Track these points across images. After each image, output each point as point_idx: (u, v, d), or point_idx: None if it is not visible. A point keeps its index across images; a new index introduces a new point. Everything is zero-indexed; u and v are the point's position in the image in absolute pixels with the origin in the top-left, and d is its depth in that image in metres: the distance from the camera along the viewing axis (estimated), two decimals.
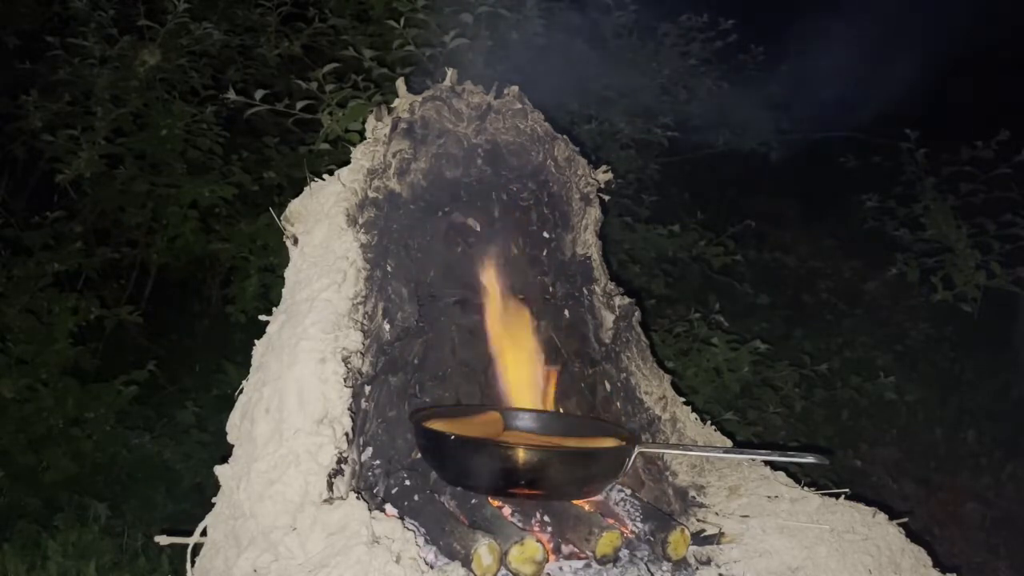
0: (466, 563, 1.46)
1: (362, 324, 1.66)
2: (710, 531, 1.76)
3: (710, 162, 5.99)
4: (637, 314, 2.12)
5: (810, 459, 1.67)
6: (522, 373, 2.01)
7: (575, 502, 1.74)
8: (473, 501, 1.68)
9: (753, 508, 1.82)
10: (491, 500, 1.70)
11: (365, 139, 1.91)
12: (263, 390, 1.57)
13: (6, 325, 3.77)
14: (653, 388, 2.07)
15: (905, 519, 1.84)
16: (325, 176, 1.84)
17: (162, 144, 4.08)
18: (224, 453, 1.59)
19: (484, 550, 1.47)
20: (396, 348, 1.81)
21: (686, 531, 1.66)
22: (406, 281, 1.84)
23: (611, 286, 2.13)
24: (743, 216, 4.98)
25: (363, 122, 1.98)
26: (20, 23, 4.49)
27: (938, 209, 5.10)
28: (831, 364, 4.58)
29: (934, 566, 1.77)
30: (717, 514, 1.83)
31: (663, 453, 1.98)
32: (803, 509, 1.78)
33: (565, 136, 2.11)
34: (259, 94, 3.51)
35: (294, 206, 1.84)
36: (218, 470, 1.56)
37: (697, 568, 1.63)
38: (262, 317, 1.74)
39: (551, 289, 2.09)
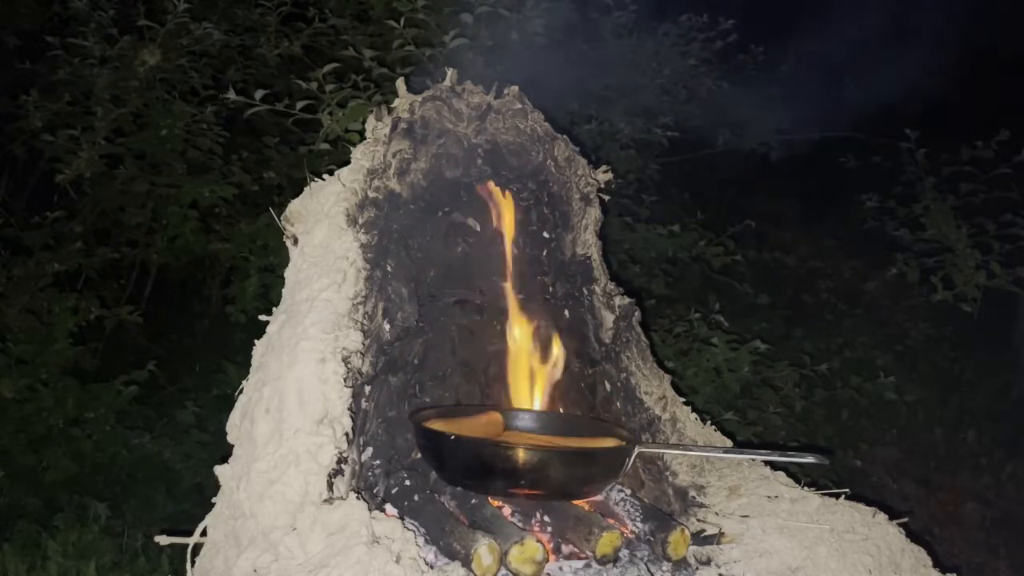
0: (466, 563, 1.46)
1: (362, 324, 1.66)
2: (710, 531, 1.76)
3: (710, 162, 5.99)
4: (637, 314, 2.12)
5: (810, 459, 1.67)
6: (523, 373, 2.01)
7: (575, 502, 1.74)
8: (473, 501, 1.68)
9: (753, 508, 1.82)
10: (491, 500, 1.70)
11: (365, 139, 1.91)
12: (263, 390, 1.57)
13: (6, 325, 3.77)
14: (653, 388, 2.07)
15: (905, 519, 1.84)
16: (325, 176, 1.84)
17: (162, 144, 4.08)
18: (224, 453, 1.59)
19: (484, 550, 1.47)
20: (396, 348, 1.81)
21: (686, 531, 1.66)
22: (406, 281, 1.84)
23: (611, 286, 2.13)
24: (743, 216, 4.98)
25: (363, 122, 1.98)
26: (20, 23, 4.49)
27: (938, 209, 5.09)
28: (831, 364, 4.58)
29: (934, 566, 1.77)
30: (717, 514, 1.83)
31: (663, 453, 1.98)
32: (803, 509, 1.78)
33: (565, 136, 2.11)
34: (259, 94, 3.50)
35: (294, 206, 1.84)
36: (218, 470, 1.56)
37: (697, 568, 1.63)
38: (262, 317, 1.75)
39: (551, 289, 2.09)
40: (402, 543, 1.38)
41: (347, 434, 1.53)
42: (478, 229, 2.01)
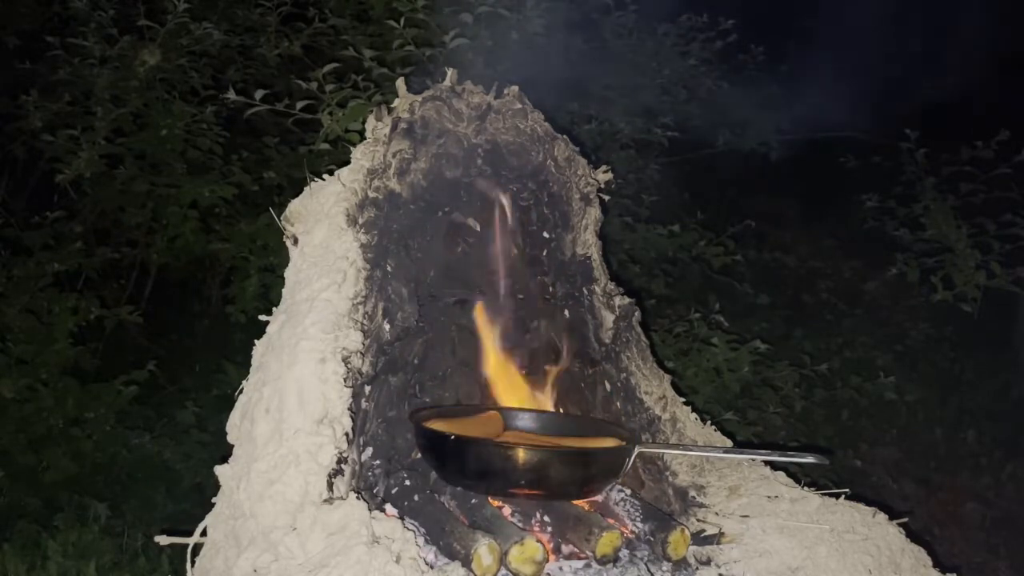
0: (466, 563, 1.46)
1: (362, 324, 1.66)
2: (710, 531, 1.76)
3: (710, 162, 5.98)
4: (637, 314, 2.12)
5: (810, 459, 1.67)
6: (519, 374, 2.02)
7: (575, 502, 1.74)
8: (473, 501, 1.68)
9: (753, 508, 1.82)
10: (491, 500, 1.70)
11: (365, 139, 1.91)
12: (263, 390, 1.57)
13: (6, 325, 3.77)
14: (653, 388, 2.07)
15: (905, 519, 1.84)
16: (325, 176, 1.84)
17: (162, 144, 4.08)
18: (224, 453, 1.59)
19: (484, 550, 1.47)
20: (396, 348, 1.81)
21: (686, 531, 1.66)
22: (406, 281, 1.84)
23: (611, 286, 2.13)
24: (743, 216, 4.98)
25: (363, 122, 1.98)
26: (20, 23, 4.49)
27: (938, 209, 5.10)
28: (831, 364, 4.58)
29: (934, 566, 1.77)
30: (717, 514, 1.83)
31: (663, 453, 1.98)
32: (803, 509, 1.78)
33: (565, 136, 2.11)
34: (259, 94, 3.51)
35: (294, 206, 1.84)
36: (218, 470, 1.56)
37: (697, 568, 1.63)
38: (262, 317, 1.74)
39: (551, 289, 2.09)
40: (402, 543, 1.38)
41: (347, 434, 1.53)
42: (478, 229, 2.01)
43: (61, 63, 4.01)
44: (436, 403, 1.92)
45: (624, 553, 1.65)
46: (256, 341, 1.70)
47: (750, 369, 3.99)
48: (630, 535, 1.71)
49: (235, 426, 1.61)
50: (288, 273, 1.77)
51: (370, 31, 4.03)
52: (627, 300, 2.11)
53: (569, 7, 4.20)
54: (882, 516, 1.80)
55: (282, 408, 1.52)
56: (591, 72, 4.44)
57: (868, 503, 1.84)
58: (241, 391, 1.65)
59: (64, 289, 4.04)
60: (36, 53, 4.22)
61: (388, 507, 1.70)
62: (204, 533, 1.55)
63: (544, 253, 2.09)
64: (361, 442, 1.66)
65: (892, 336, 5.52)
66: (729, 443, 2.09)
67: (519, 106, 2.05)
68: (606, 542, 1.59)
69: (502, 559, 1.49)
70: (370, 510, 1.42)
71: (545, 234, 2.09)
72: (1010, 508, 4.31)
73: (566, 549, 1.67)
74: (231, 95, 3.58)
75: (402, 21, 3.51)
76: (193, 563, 1.54)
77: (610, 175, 2.20)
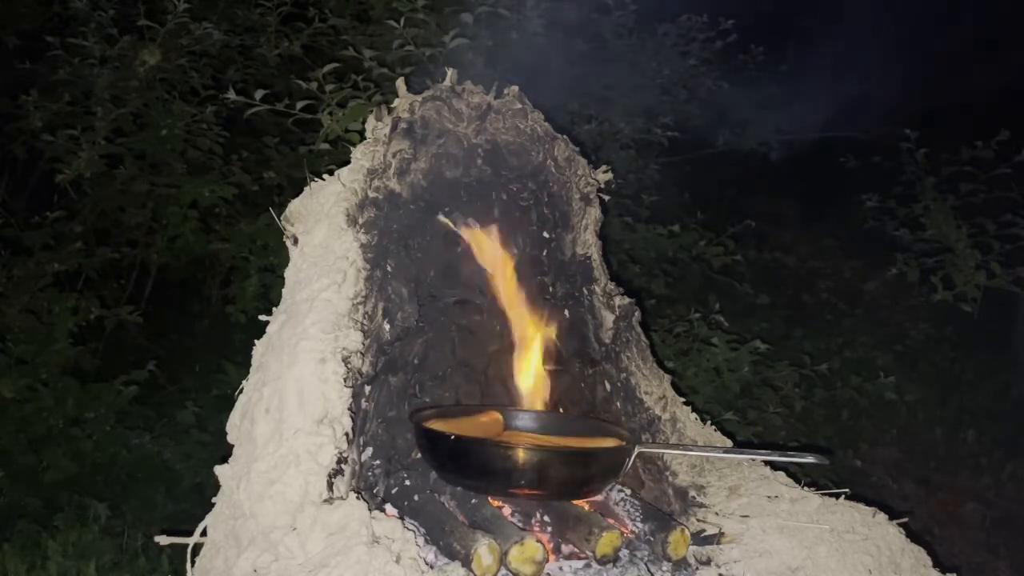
0: (466, 563, 1.46)
1: (362, 324, 1.66)
2: (710, 531, 1.76)
3: (710, 162, 5.98)
4: (637, 314, 2.12)
5: (810, 459, 1.67)
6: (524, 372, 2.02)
7: (575, 502, 1.74)
8: (473, 501, 1.68)
9: (753, 508, 1.82)
10: (491, 500, 1.70)
11: (365, 139, 1.91)
12: (263, 390, 1.57)
13: (6, 325, 3.77)
14: (653, 388, 2.06)
15: (905, 519, 1.84)
16: (325, 176, 1.84)
17: (162, 144, 4.08)
18: (224, 453, 1.59)
19: (484, 550, 1.47)
20: (396, 348, 1.81)
21: (686, 531, 1.66)
22: (406, 281, 1.84)
23: (611, 286, 2.13)
24: (743, 216, 4.98)
25: (363, 122, 1.98)
26: (20, 23, 4.49)
27: (938, 209, 5.10)
28: (831, 364, 4.58)
29: (934, 566, 1.77)
30: (717, 514, 1.83)
31: (663, 453, 1.98)
32: (803, 509, 1.78)
33: (565, 136, 2.11)
34: (259, 94, 3.50)
35: (294, 206, 1.84)
36: (218, 470, 1.56)
37: (697, 568, 1.63)
38: (262, 317, 1.74)
39: (551, 289, 2.09)
40: (402, 543, 1.38)
41: (347, 434, 1.53)
42: (478, 229, 2.01)
43: (61, 63, 4.01)
44: (436, 403, 1.92)
45: (624, 553, 1.65)
46: (256, 341, 1.70)
47: (750, 369, 3.99)
48: (630, 535, 1.71)
49: (235, 426, 1.61)
50: (288, 273, 1.77)
51: (370, 31, 4.03)
52: (627, 300, 2.11)
53: (569, 7, 4.20)
54: (882, 516, 1.80)
55: (282, 408, 1.52)
56: (591, 72, 4.44)
57: (868, 503, 1.84)
58: (241, 391, 1.65)
59: (64, 289, 4.04)
60: (36, 53, 4.22)
61: (388, 507, 1.70)
62: (204, 533, 1.55)
63: (544, 253, 2.09)
64: (361, 442, 1.66)
65: (892, 336, 5.52)
66: (729, 443, 2.09)
67: (519, 106, 2.05)
68: (606, 542, 1.59)
69: (502, 559, 1.49)
70: (370, 510, 1.42)
71: (545, 234, 2.09)
72: (1010, 508, 4.31)
73: (566, 549, 1.67)
74: (231, 95, 3.58)
75: (402, 21, 3.51)
76: (193, 563, 1.54)
77: (610, 175, 2.20)
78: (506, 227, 2.04)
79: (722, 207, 5.98)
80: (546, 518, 1.73)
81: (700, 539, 1.74)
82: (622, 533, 1.67)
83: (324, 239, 1.73)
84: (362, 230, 1.76)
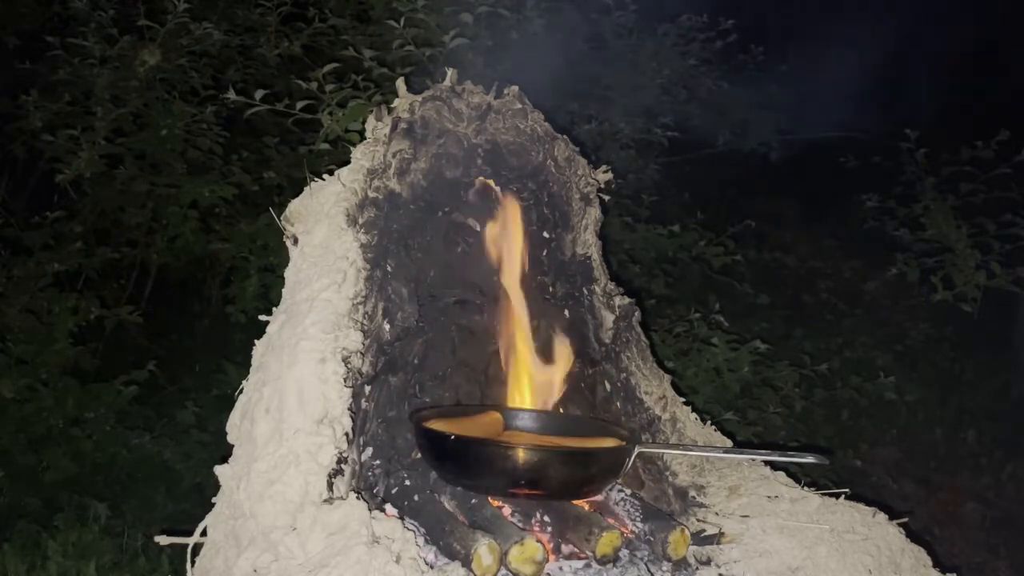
0: (466, 563, 1.46)
1: (362, 324, 1.66)
2: (710, 531, 1.76)
3: (710, 162, 5.99)
4: (637, 314, 2.12)
5: (810, 459, 1.67)
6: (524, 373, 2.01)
7: (575, 502, 1.74)
8: (473, 501, 1.68)
9: (753, 508, 1.82)
10: (491, 500, 1.70)
11: (365, 139, 1.91)
12: (263, 390, 1.57)
13: (6, 325, 3.77)
14: (653, 388, 2.06)
15: (905, 519, 1.84)
16: (325, 176, 1.84)
17: (162, 144, 4.08)
18: (224, 453, 1.59)
19: (484, 550, 1.47)
20: (396, 348, 1.81)
21: (686, 531, 1.66)
22: (406, 281, 1.84)
23: (611, 286, 2.13)
24: (743, 216, 4.98)
25: (363, 122, 1.98)
26: (20, 23, 4.49)
27: (938, 209, 5.10)
28: (831, 364, 4.58)
29: (934, 566, 1.77)
30: (717, 514, 1.83)
31: (663, 453, 1.98)
32: (803, 509, 1.78)
33: (565, 136, 2.11)
34: (259, 94, 3.50)
35: (294, 206, 1.84)
36: (218, 470, 1.55)
37: (697, 568, 1.63)
38: (262, 317, 1.74)
39: (551, 289, 2.09)
40: (402, 543, 1.38)
41: (347, 434, 1.53)
42: (478, 229, 2.01)
43: (61, 63, 4.01)
44: (436, 403, 1.92)
45: (624, 553, 1.65)
46: (256, 341, 1.70)
47: (750, 369, 3.99)
48: (630, 535, 1.71)
49: (235, 426, 1.61)
50: (288, 273, 1.77)
51: (370, 31, 4.03)
52: (627, 300, 2.11)
53: (569, 7, 4.20)
54: (882, 516, 1.80)
55: (282, 408, 1.52)
56: (591, 72, 4.44)
57: (868, 503, 1.84)
58: (241, 391, 1.65)
59: (64, 289, 4.04)
60: (36, 53, 4.21)
61: (388, 507, 1.70)
62: (204, 533, 1.55)
63: (544, 253, 2.09)
64: (361, 442, 1.66)
65: (892, 336, 5.52)
66: (729, 443, 2.09)
67: (519, 106, 2.05)
68: (606, 542, 1.59)
69: (502, 559, 1.49)
70: (370, 510, 1.42)
71: (545, 234, 2.09)
72: (1010, 508, 4.31)
73: (566, 549, 1.67)
74: (231, 95, 3.58)
75: (402, 21, 3.51)
76: (193, 563, 1.54)
77: (610, 175, 2.20)
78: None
79: (722, 207, 5.99)
80: (546, 518, 1.73)
81: (700, 539, 1.74)
82: (622, 533, 1.67)
83: (324, 239, 1.73)
84: (362, 230, 1.76)
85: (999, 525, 4.20)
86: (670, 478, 1.97)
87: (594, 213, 2.13)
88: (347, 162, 1.85)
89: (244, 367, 1.69)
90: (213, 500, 1.56)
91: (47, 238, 4.08)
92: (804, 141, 6.06)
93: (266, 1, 4.23)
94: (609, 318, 2.08)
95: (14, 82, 4.21)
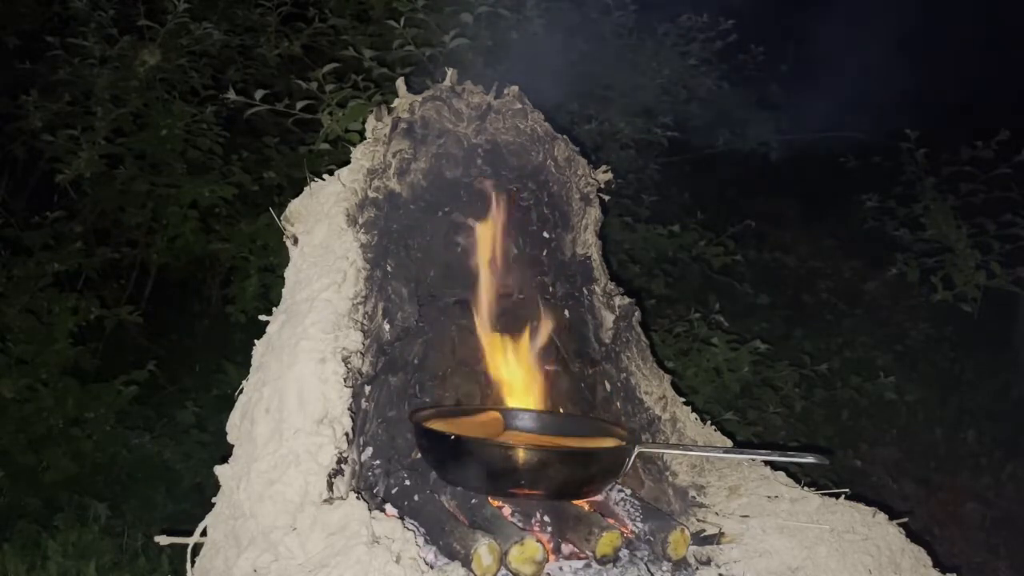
0: (466, 563, 1.46)
1: (362, 324, 1.66)
2: (710, 531, 1.76)
3: (710, 162, 5.99)
4: (637, 314, 2.12)
5: (810, 459, 1.67)
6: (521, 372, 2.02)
7: (575, 502, 1.74)
8: (473, 501, 1.68)
9: (753, 508, 1.82)
10: (491, 500, 1.70)
11: (365, 139, 1.91)
12: (263, 390, 1.57)
13: (6, 325, 3.77)
14: (653, 388, 2.06)
15: (905, 519, 1.84)
16: (325, 176, 1.84)
17: (162, 144, 4.08)
18: (224, 453, 1.59)
19: (484, 550, 1.47)
20: (396, 348, 1.81)
21: (686, 531, 1.66)
22: (406, 281, 1.84)
23: (611, 286, 2.13)
24: (743, 216, 4.98)
25: (363, 122, 1.98)
26: (20, 23, 4.49)
27: (938, 209, 5.10)
28: (831, 364, 4.58)
29: (934, 566, 1.77)
30: (717, 514, 1.83)
31: (663, 453, 1.98)
32: (803, 509, 1.78)
33: (565, 136, 2.11)
34: (259, 94, 3.50)
35: (294, 206, 1.84)
36: (218, 470, 1.56)
37: (697, 568, 1.63)
38: (262, 317, 1.75)
39: (551, 289, 2.09)
40: (402, 543, 1.38)
41: (347, 434, 1.53)
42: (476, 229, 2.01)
43: (61, 63, 4.01)
44: (436, 403, 1.92)
45: (624, 553, 1.65)
46: (256, 341, 1.70)
47: (750, 369, 3.99)
48: (630, 535, 1.71)
49: (235, 426, 1.61)
50: (288, 273, 1.77)
51: (370, 31, 4.03)
52: (627, 300, 2.11)
53: (569, 7, 4.20)
54: (882, 516, 1.80)
55: (282, 408, 1.52)
56: (591, 72, 4.44)
57: (868, 503, 1.84)
58: (241, 391, 1.65)
59: (64, 289, 4.04)
60: (36, 53, 4.21)
61: (388, 507, 1.70)
62: (204, 533, 1.55)
63: (544, 253, 2.09)
64: (361, 442, 1.66)
65: (892, 336, 5.51)
66: (729, 443, 2.09)
67: (519, 106, 2.05)
68: (606, 542, 1.59)
69: (502, 559, 1.49)
70: (370, 510, 1.42)
71: (545, 234, 2.09)
72: (1010, 508, 4.31)
73: (566, 549, 1.67)
74: (231, 95, 3.58)
75: (402, 21, 3.51)
76: (193, 563, 1.54)
77: (610, 175, 2.20)
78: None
79: (722, 207, 5.98)
80: (546, 518, 1.73)
81: (700, 539, 1.74)
82: (622, 533, 1.67)
83: (324, 239, 1.73)
84: (362, 230, 1.76)
85: (999, 525, 4.20)
86: (670, 478, 1.97)
87: (594, 213, 2.13)
88: (347, 162, 1.85)
89: (244, 367, 1.69)
90: (213, 500, 1.56)
91: (47, 238, 4.08)
92: (804, 141, 6.06)
93: (266, 1, 4.23)
94: (609, 318, 2.08)
95: (14, 82, 4.21)
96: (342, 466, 1.51)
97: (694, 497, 1.92)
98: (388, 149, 1.86)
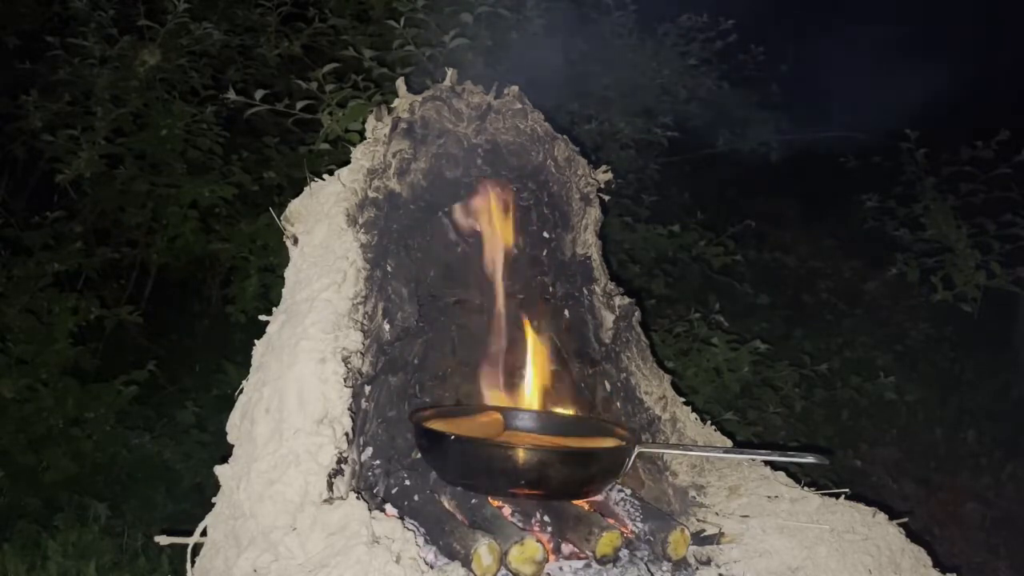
0: (466, 563, 1.46)
1: (362, 324, 1.66)
2: (710, 531, 1.76)
3: (710, 162, 5.99)
4: (637, 314, 2.12)
5: (810, 459, 1.67)
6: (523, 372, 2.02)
7: (575, 502, 1.74)
8: (473, 501, 1.68)
9: (753, 508, 1.82)
10: (491, 500, 1.70)
11: (365, 139, 1.91)
12: (263, 390, 1.57)
13: (6, 325, 3.77)
14: (653, 388, 2.06)
15: (905, 519, 1.84)
16: (325, 176, 1.84)
17: (162, 144, 4.08)
18: (224, 453, 1.59)
19: (484, 550, 1.47)
20: (396, 348, 1.81)
21: (686, 531, 1.66)
22: (406, 281, 1.84)
23: (611, 286, 2.13)
24: (743, 216, 4.98)
25: (363, 122, 1.98)
26: (20, 23, 4.49)
27: (938, 209, 5.10)
28: (831, 364, 4.57)
29: (934, 566, 1.77)
30: (717, 514, 1.83)
31: (663, 453, 1.98)
32: (803, 509, 1.78)
33: (565, 136, 2.11)
34: (259, 94, 3.50)
35: (294, 206, 1.84)
36: (218, 470, 1.56)
37: (697, 568, 1.63)
38: (262, 317, 1.74)
39: (551, 289, 2.09)
40: (402, 543, 1.38)
41: (347, 434, 1.53)
42: (478, 229, 2.01)
43: (61, 63, 4.01)
44: (436, 403, 1.92)
45: (624, 553, 1.65)
46: (256, 341, 1.70)
47: (750, 369, 3.99)
48: (630, 535, 1.71)
49: (235, 426, 1.61)
50: (288, 273, 1.77)
51: (370, 31, 4.03)
52: (627, 300, 2.11)
53: (569, 7, 4.20)
54: (882, 516, 1.80)
55: (282, 408, 1.52)
56: (591, 72, 4.44)
57: (868, 503, 1.84)
58: (241, 391, 1.65)
59: (64, 289, 4.04)
60: (36, 53, 4.21)
61: (388, 507, 1.70)
62: (204, 533, 1.55)
63: (544, 253, 2.09)
64: (361, 442, 1.66)
65: (892, 336, 5.51)
66: (729, 443, 2.09)
67: (519, 106, 2.05)
68: (606, 542, 1.59)
69: (502, 559, 1.49)
70: (370, 510, 1.42)
71: (545, 234, 2.09)
72: (1010, 508, 4.31)
73: (566, 549, 1.67)
74: (231, 95, 3.58)
75: (402, 21, 3.51)
76: (193, 563, 1.54)
77: (610, 175, 2.20)
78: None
79: (722, 207, 5.98)
80: (546, 518, 1.73)
81: (700, 539, 1.74)
82: (622, 533, 1.67)
83: (324, 239, 1.73)
84: (362, 230, 1.76)
85: (999, 525, 4.20)
86: (670, 478, 1.97)
87: (594, 213, 2.13)
88: (347, 162, 1.85)
89: (244, 367, 1.69)
90: (213, 500, 1.56)
91: (47, 238, 4.08)
92: (804, 141, 6.06)
93: (266, 1, 4.23)
94: (609, 318, 2.08)
95: (14, 82, 4.21)
96: (342, 466, 1.51)
97: (694, 497, 1.92)
98: (388, 149, 1.86)
